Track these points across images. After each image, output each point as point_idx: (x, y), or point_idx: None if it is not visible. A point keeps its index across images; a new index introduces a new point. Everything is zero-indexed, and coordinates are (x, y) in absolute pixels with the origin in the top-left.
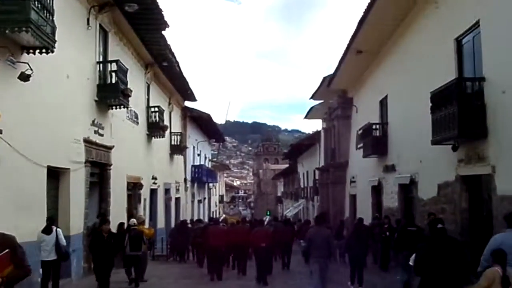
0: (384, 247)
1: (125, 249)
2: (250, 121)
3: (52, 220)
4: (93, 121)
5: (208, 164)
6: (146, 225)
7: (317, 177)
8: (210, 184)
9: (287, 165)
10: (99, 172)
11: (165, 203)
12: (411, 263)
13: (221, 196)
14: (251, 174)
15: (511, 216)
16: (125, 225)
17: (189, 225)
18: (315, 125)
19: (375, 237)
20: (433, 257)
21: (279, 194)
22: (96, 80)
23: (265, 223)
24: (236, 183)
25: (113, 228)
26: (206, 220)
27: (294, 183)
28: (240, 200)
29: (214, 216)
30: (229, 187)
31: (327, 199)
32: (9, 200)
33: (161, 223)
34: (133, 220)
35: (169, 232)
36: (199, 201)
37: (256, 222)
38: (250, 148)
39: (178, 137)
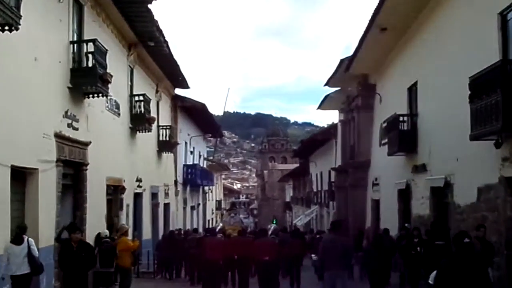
0: (412, 265)
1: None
2: (253, 112)
3: (23, 229)
4: (66, 112)
5: (203, 164)
6: (130, 236)
7: (333, 179)
8: (206, 188)
9: (297, 165)
10: (73, 173)
11: (152, 210)
12: (430, 281)
13: (219, 202)
14: (254, 175)
15: None
16: (107, 236)
17: (181, 236)
18: (331, 117)
19: (401, 252)
20: (454, 277)
21: (287, 199)
22: (70, 63)
23: (269, 232)
24: (237, 186)
25: (90, 240)
26: (201, 230)
27: (306, 186)
28: (242, 207)
29: (211, 226)
30: (228, 191)
31: (345, 206)
32: None
33: (147, 233)
34: (106, 232)
35: (156, 244)
36: (193, 208)
37: (259, 232)
38: (253, 145)
39: (167, 131)
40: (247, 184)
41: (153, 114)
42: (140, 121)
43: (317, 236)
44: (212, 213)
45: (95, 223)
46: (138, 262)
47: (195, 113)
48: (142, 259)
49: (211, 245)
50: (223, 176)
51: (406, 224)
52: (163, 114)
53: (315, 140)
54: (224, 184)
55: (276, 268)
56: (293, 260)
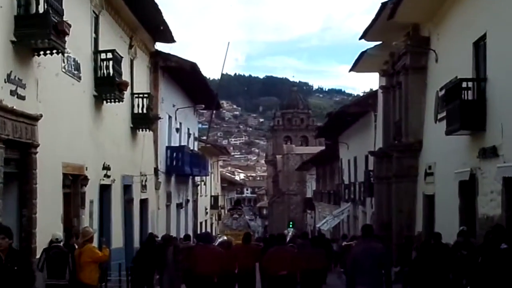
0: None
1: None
2: (261, 76)
3: None
4: (8, 76)
5: (194, 146)
6: (95, 243)
7: (371, 167)
8: (197, 179)
9: (322, 148)
10: (18, 158)
11: (124, 209)
12: None
13: (215, 198)
14: (262, 162)
15: None
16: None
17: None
18: (368, 82)
19: (460, 264)
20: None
21: (308, 194)
22: (14, 9)
23: (287, 239)
24: (239, 176)
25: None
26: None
27: (334, 177)
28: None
29: (204, 230)
30: (228, 183)
31: (387, 204)
32: None
33: (117, 240)
34: (57, 235)
35: (136, 254)
36: (179, 206)
37: (274, 238)
38: (261, 120)
39: (145, 101)
40: (253, 174)
41: (125, 77)
42: (107, 87)
43: (348, 243)
44: (206, 213)
45: (47, 226)
46: (107, 278)
47: (183, 76)
48: (111, 274)
49: (203, 256)
50: (220, 163)
51: (462, 228)
52: (139, 77)
53: (347, 114)
54: (223, 174)
55: (293, 285)
56: (313, 277)
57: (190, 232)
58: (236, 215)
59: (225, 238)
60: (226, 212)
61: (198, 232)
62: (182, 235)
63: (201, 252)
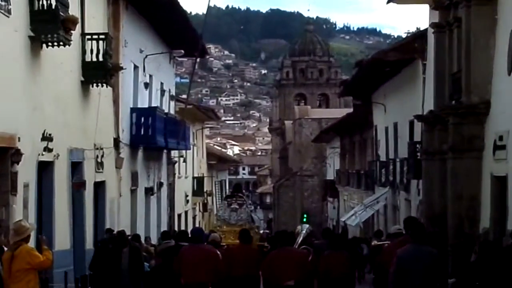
0: None
1: None
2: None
3: None
4: None
5: (170, 107)
6: (32, 243)
7: (417, 138)
8: (174, 154)
9: (348, 110)
10: None
11: (72, 196)
12: None
13: (199, 181)
14: (265, 129)
15: None
16: None
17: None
18: (414, 18)
19: None
20: None
21: (329, 176)
22: None
23: (300, 239)
24: (233, 150)
25: None
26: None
27: (366, 152)
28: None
29: (186, 227)
30: (218, 160)
31: (440, 188)
32: None
33: (63, 239)
34: None
35: (84, 257)
36: (149, 191)
37: (280, 236)
38: (263, 71)
39: (101, 44)
40: (252, 147)
41: (73, 11)
42: (48, 24)
43: (379, 243)
44: (187, 201)
45: None
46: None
47: (155, 10)
48: (54, 281)
49: (191, 260)
50: (207, 132)
51: None
52: (93, 11)
53: (384, 63)
54: (210, 147)
55: None
56: (338, 284)
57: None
58: (235, 205)
59: (214, 235)
60: (215, 200)
61: (177, 229)
62: (152, 234)
63: (187, 255)
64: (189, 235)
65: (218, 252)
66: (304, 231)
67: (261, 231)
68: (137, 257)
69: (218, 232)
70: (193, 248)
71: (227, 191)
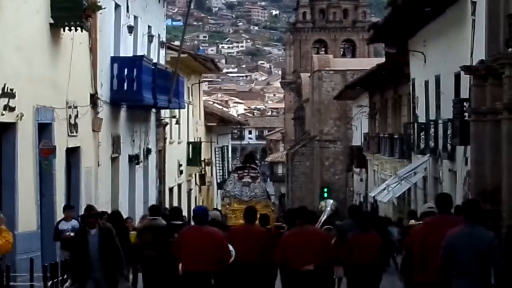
0: None
1: None
2: None
3: None
4: None
5: (159, 56)
6: None
7: (464, 95)
8: (165, 113)
9: (379, 60)
10: None
11: (40, 165)
12: None
13: (195, 147)
14: (276, 84)
15: None
16: None
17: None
18: None
19: None
20: None
21: (356, 142)
22: None
23: (323, 217)
24: (237, 110)
25: None
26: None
27: (401, 112)
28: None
29: (175, 200)
30: (218, 122)
31: (493, 156)
32: None
33: (27, 218)
34: None
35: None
36: (134, 160)
37: (297, 213)
38: (274, 12)
39: None
40: (259, 106)
41: None
42: None
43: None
44: (180, 171)
45: None
46: (9, 282)
47: None
48: (16, 277)
49: (193, 245)
50: (205, 87)
51: None
52: None
53: (423, 1)
54: (209, 106)
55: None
56: (361, 277)
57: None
58: (247, 178)
59: (214, 212)
60: (214, 171)
61: (168, 206)
62: (137, 212)
63: (194, 237)
64: (192, 215)
65: (219, 234)
66: (328, 208)
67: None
68: (109, 240)
69: (227, 211)
70: (197, 230)
71: (230, 159)
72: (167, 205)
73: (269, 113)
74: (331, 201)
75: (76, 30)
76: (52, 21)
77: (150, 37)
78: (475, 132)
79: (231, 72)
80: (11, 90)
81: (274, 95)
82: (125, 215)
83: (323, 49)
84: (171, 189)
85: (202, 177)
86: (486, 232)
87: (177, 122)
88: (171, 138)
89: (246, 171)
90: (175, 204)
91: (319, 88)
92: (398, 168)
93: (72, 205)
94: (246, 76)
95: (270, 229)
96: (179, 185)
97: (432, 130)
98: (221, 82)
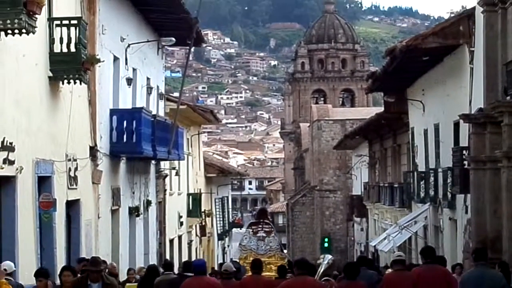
0: None
1: None
2: None
3: None
4: None
5: (158, 108)
6: None
7: (464, 143)
8: (164, 165)
9: (378, 110)
10: None
11: (39, 218)
12: None
13: (195, 198)
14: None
15: None
16: None
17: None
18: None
19: None
20: None
21: (356, 191)
22: None
23: (320, 271)
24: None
25: None
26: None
27: (400, 161)
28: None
29: (176, 252)
30: (218, 173)
31: (493, 204)
32: None
33: (28, 272)
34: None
35: None
36: (134, 212)
37: (296, 264)
38: (273, 62)
39: (73, 31)
40: (259, 156)
41: None
42: (7, 7)
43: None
44: (181, 223)
45: None
46: None
47: None
48: None
49: None
50: (205, 138)
51: None
52: None
53: (422, 51)
54: (209, 157)
55: None
56: None
57: (154, 259)
58: (262, 233)
59: (228, 264)
60: (215, 222)
61: (168, 257)
62: (138, 264)
63: (194, 286)
64: (193, 267)
65: (220, 285)
66: (325, 262)
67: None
68: None
69: (245, 264)
70: (196, 280)
71: (230, 210)
72: (167, 257)
73: (269, 163)
74: (328, 256)
75: (75, 83)
76: (51, 74)
77: (149, 89)
78: (475, 180)
79: (230, 123)
80: (11, 143)
81: (274, 145)
82: (125, 267)
83: (322, 98)
84: (171, 241)
85: (203, 228)
86: (495, 272)
87: (177, 174)
88: (171, 189)
89: (260, 226)
90: (176, 255)
91: (319, 138)
92: (399, 217)
93: (46, 268)
94: (246, 127)
95: (277, 279)
96: (180, 237)
97: (432, 178)
98: (221, 132)
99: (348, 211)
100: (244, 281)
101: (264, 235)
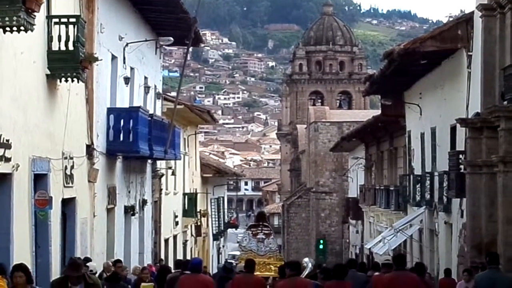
0: None
1: None
2: None
3: None
4: None
5: (156, 107)
6: None
7: (460, 147)
8: (161, 165)
9: (375, 113)
10: None
11: (35, 216)
12: None
13: (191, 198)
14: (272, 135)
15: None
16: None
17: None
18: (456, 0)
19: None
20: None
21: (352, 194)
22: None
23: (305, 271)
24: (233, 161)
25: None
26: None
27: (396, 164)
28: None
29: (171, 252)
30: (214, 173)
31: (489, 209)
32: None
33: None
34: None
35: None
36: (129, 211)
37: (288, 265)
38: (270, 64)
39: (71, 29)
40: (255, 157)
41: None
42: (6, 5)
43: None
44: (176, 223)
45: None
46: None
47: None
48: None
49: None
50: (201, 138)
51: None
52: None
53: (420, 55)
54: (205, 157)
55: None
56: None
57: (149, 258)
58: (261, 235)
59: (237, 261)
60: (210, 222)
61: (163, 256)
62: (133, 263)
63: (188, 283)
64: (189, 265)
65: (214, 283)
66: (309, 266)
67: None
68: None
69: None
70: (191, 277)
71: (226, 211)
72: (162, 257)
73: (265, 164)
74: (309, 260)
75: (72, 81)
76: (48, 72)
77: (147, 88)
78: (470, 185)
79: (227, 123)
80: (7, 140)
81: (270, 146)
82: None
83: (319, 100)
84: (166, 240)
85: (198, 228)
86: (506, 274)
87: (173, 173)
88: (167, 189)
89: (260, 228)
90: (170, 255)
91: (315, 140)
92: (394, 220)
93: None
94: (242, 127)
95: (268, 278)
96: (175, 236)
97: (428, 182)
98: (218, 133)
99: (344, 214)
100: (236, 279)
101: (263, 237)
